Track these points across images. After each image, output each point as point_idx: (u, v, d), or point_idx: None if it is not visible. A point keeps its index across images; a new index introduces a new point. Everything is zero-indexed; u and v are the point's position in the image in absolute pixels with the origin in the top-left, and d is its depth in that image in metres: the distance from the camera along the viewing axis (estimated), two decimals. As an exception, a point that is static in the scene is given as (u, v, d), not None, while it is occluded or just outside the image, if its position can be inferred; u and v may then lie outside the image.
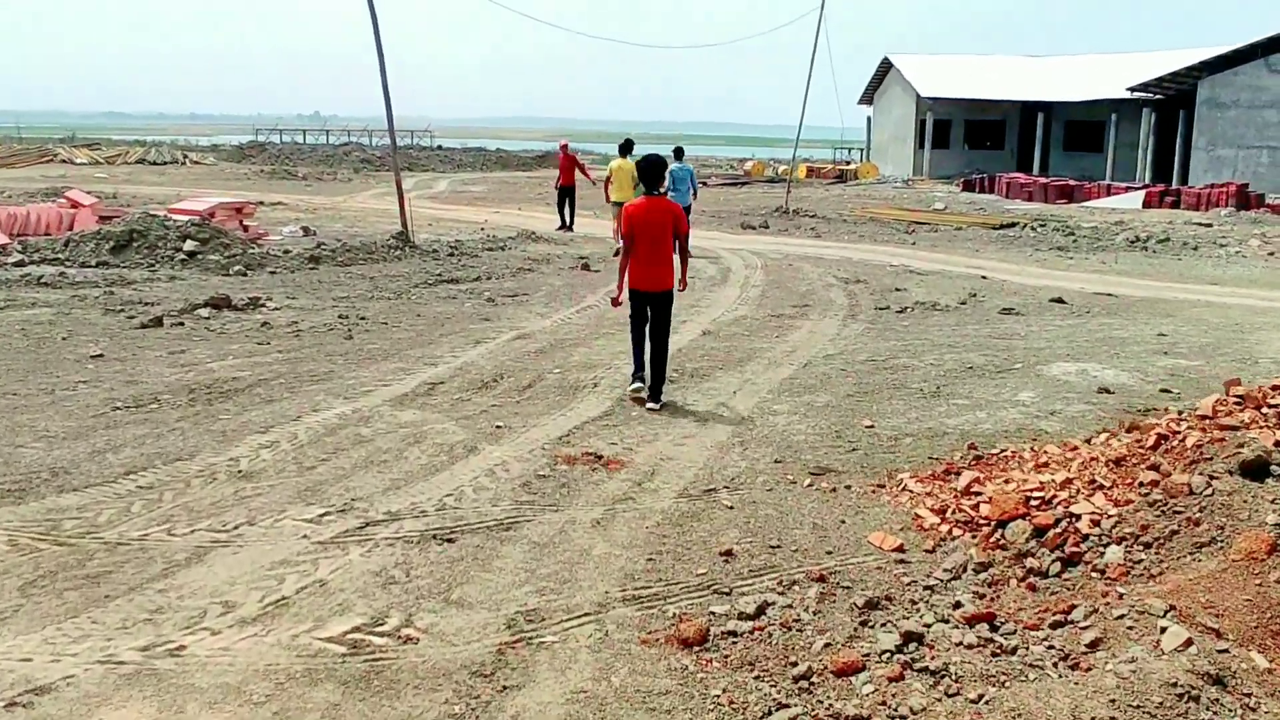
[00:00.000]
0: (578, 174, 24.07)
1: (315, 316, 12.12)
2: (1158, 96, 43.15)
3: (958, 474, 6.79)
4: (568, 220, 23.58)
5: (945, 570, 5.07)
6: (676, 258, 8.98)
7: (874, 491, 6.57)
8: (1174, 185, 39.11)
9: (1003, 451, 7.30)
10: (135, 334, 10.95)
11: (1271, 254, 22.07)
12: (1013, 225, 27.72)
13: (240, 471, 6.68)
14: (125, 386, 8.74)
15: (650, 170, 8.78)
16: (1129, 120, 45.58)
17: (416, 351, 10.35)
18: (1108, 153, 47.01)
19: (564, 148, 24.93)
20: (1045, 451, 7.11)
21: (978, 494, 6.15)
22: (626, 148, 20.62)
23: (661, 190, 9.03)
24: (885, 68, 57.60)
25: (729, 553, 5.47)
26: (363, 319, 12.00)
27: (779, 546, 5.57)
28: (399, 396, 8.64)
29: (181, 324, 11.50)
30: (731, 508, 6.21)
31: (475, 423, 7.94)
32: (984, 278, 17.19)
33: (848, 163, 62.09)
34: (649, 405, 8.59)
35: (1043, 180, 40.88)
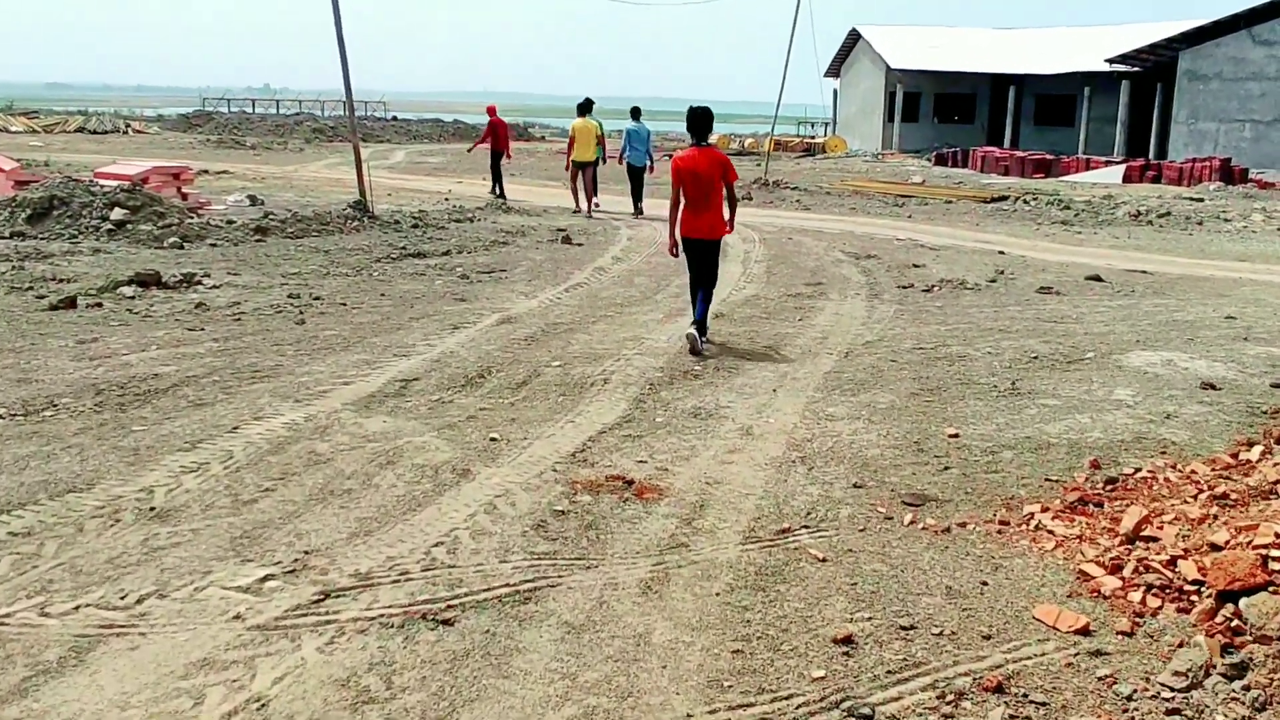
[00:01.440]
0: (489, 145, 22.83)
1: (261, 296, 10.33)
2: (1135, 69, 42.07)
3: (1098, 504, 5.23)
4: (499, 186, 22.55)
5: (1176, 674, 3.47)
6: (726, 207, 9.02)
7: (999, 531, 4.97)
8: (1152, 159, 38.15)
9: (1138, 472, 5.75)
10: (40, 318, 9.10)
11: (1280, 229, 20.91)
12: (1004, 199, 26.39)
13: (153, 509, 4.95)
14: (14, 387, 6.93)
15: (699, 120, 8.83)
16: (1102, 94, 44.52)
17: (382, 339, 8.61)
18: (1080, 127, 45.97)
19: (491, 111, 23.52)
20: (1195, 473, 5.57)
21: (1152, 539, 4.57)
22: (585, 107, 20.01)
23: (698, 141, 8.91)
24: (853, 39, 56.19)
25: (848, 639, 3.84)
26: (317, 299, 10.23)
27: (913, 628, 3.95)
28: (364, 398, 6.91)
29: (99, 305, 9.67)
30: (824, 560, 4.58)
31: (463, 434, 6.24)
32: (1001, 253, 15.69)
33: (813, 137, 60.71)
34: (690, 333, 8.74)
35: (1019, 154, 39.71)
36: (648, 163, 19.74)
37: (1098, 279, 13.20)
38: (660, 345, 8.76)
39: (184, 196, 17.35)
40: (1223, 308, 11.44)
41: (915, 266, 13.95)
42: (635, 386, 7.42)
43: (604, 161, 20.42)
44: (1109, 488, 5.50)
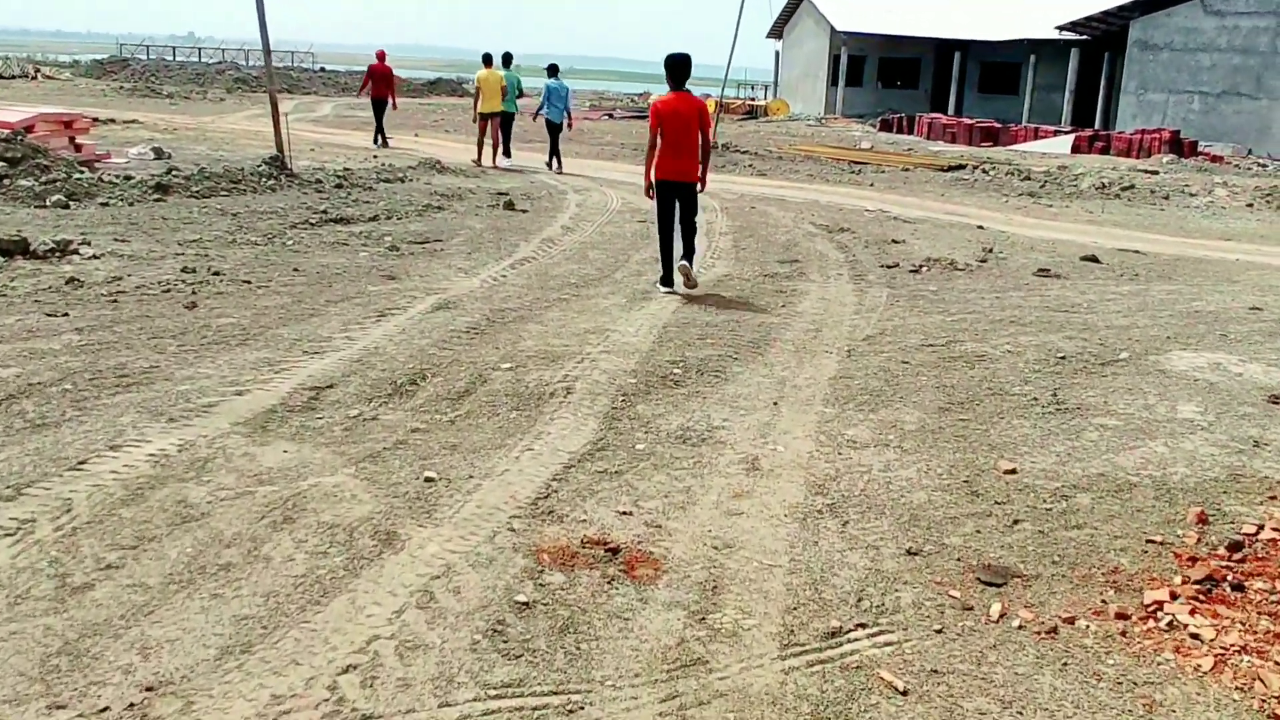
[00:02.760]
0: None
1: (149, 269, 8.68)
2: (1084, 37, 41.29)
3: (1237, 586, 3.94)
4: (380, 136, 22.41)
5: None
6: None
7: (1123, 632, 3.66)
8: (1099, 129, 37.51)
9: (1261, 531, 4.49)
10: None
11: (1250, 205, 20.08)
12: (961, 167, 25.36)
13: (-66, 605, 3.43)
14: None
15: (678, 67, 9.04)
16: (1048, 62, 43.78)
17: (292, 330, 7.05)
18: (1025, 95, 45.24)
19: (380, 56, 23.03)
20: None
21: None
22: (488, 59, 20.26)
23: (676, 87, 9.12)
24: (796, 0, 54.82)
25: None
26: (217, 274, 8.61)
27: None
28: (261, 415, 5.39)
29: (-56, 279, 7.98)
30: (904, 693, 3.22)
31: (388, 469, 4.77)
32: (981, 228, 14.49)
33: (753, 99, 59.36)
34: (663, 289, 9.19)
35: (967, 121, 38.79)
36: (565, 119, 19.88)
37: (1094, 259, 12.04)
38: (629, 339, 7.33)
39: (78, 148, 15.44)
40: (1240, 295, 10.33)
41: (895, 242, 12.65)
42: (605, 397, 5.99)
43: (517, 112, 20.32)
44: (1237, 558, 4.22)
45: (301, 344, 6.68)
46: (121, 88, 43.54)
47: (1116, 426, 5.93)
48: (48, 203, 11.84)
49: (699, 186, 9.25)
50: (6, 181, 12.26)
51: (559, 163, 19.81)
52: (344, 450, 4.97)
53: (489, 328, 7.37)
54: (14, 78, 48.83)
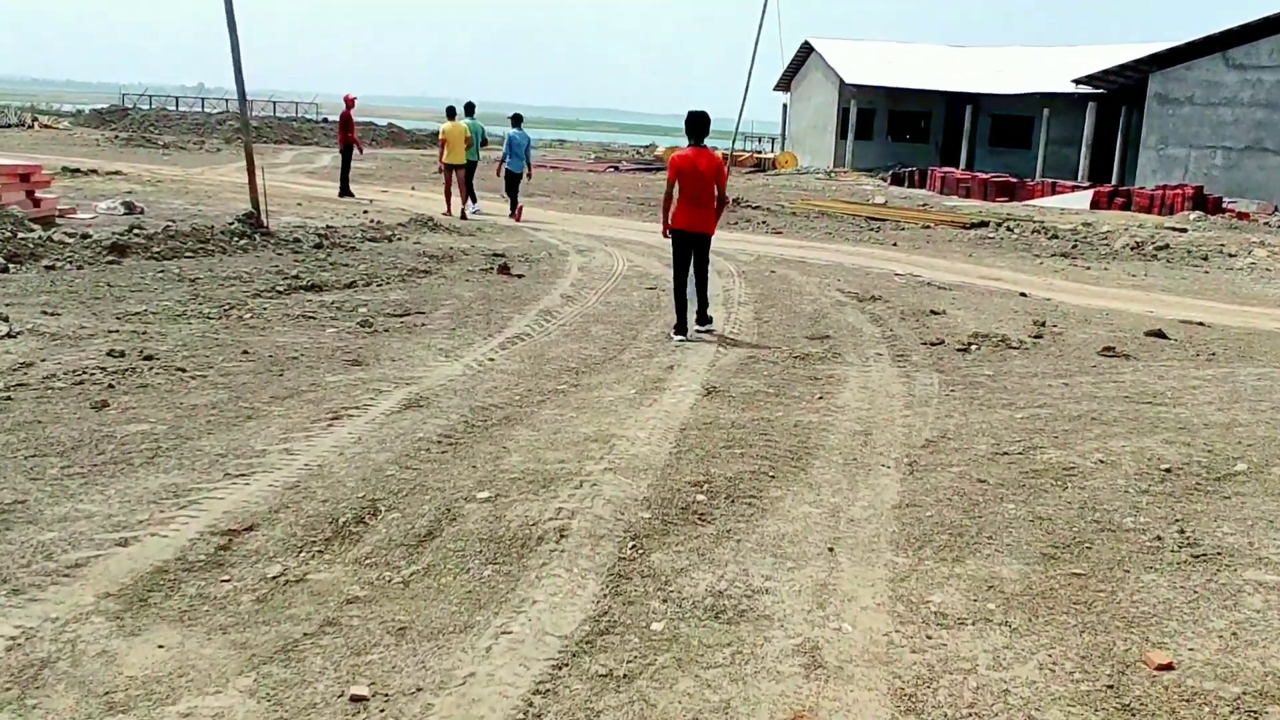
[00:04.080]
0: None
1: (68, 353, 7.32)
2: (1100, 91, 40.27)
3: None
4: (339, 186, 22.13)
5: None
6: None
7: None
8: (1114, 184, 36.41)
9: None
10: None
11: (1296, 268, 18.77)
12: (984, 225, 24.09)
13: None
14: None
15: (698, 123, 9.35)
16: (1061, 116, 42.72)
17: (218, 440, 5.66)
18: (1038, 149, 44.14)
19: (349, 102, 22.72)
20: None
21: None
22: (452, 112, 20.63)
23: (696, 142, 9.43)
24: (805, 52, 54.00)
25: None
26: (148, 359, 7.24)
27: None
28: (143, 580, 3.98)
29: None
30: None
31: (302, 678, 3.36)
32: (1024, 295, 13.14)
33: (759, 152, 58.45)
34: (700, 328, 9.59)
35: (981, 176, 37.73)
36: (525, 169, 19.97)
37: (1161, 335, 10.66)
38: (641, 450, 5.93)
39: (36, 202, 14.18)
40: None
41: (934, 313, 11.29)
42: (609, 542, 4.59)
43: (479, 160, 20.74)
44: None
45: (225, 462, 5.27)
46: (117, 137, 42.64)
47: (1275, 585, 4.52)
48: (-17, 266, 10.53)
49: (710, 235, 9.69)
50: (-61, 242, 10.96)
51: (518, 210, 19.63)
52: (247, 641, 3.56)
53: (467, 435, 5.96)
54: (9, 126, 48.12)
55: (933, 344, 9.72)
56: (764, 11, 26.89)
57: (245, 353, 7.60)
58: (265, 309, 9.36)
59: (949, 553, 4.74)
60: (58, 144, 36.99)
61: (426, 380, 7.16)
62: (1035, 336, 10.30)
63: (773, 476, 5.66)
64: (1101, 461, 6.27)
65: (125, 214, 16.14)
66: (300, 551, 4.32)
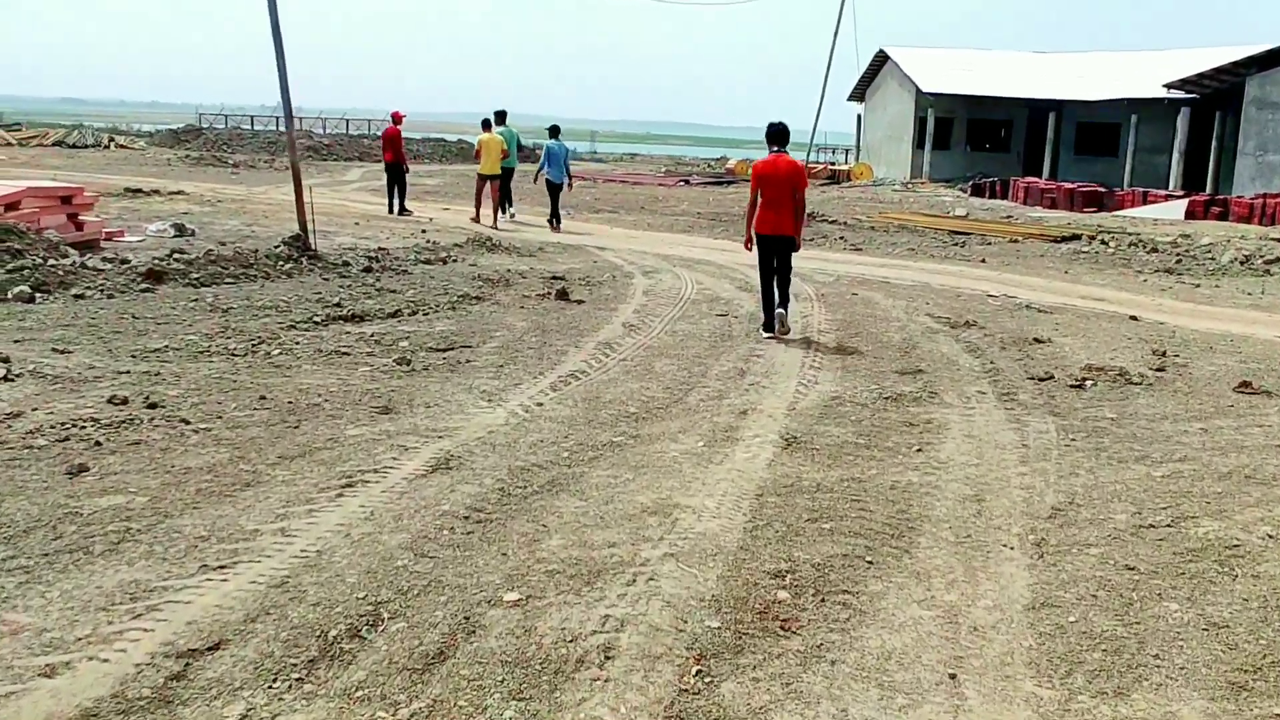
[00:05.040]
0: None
1: (66, 400, 6.51)
2: (1193, 96, 38.38)
3: None
4: (398, 204, 21.57)
5: None
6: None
7: None
8: (1209, 193, 34.58)
9: None
10: None
11: None
12: (1076, 238, 22.64)
13: None
14: None
15: (778, 134, 9.94)
16: (1151, 122, 40.77)
17: (203, 518, 4.73)
18: (1125, 157, 42.22)
19: (395, 118, 22.44)
20: None
21: None
22: (487, 124, 20.86)
23: (777, 150, 9.94)
24: (880, 61, 52.64)
25: None
26: (153, 407, 6.40)
27: None
28: (64, 728, 3.09)
29: None
30: None
31: None
32: (1134, 318, 11.87)
33: (833, 164, 57.11)
34: (765, 335, 10.02)
35: (1067, 186, 36.07)
36: (565, 180, 19.99)
37: (1303, 368, 9.39)
38: (708, 525, 4.92)
39: (79, 226, 13.59)
40: None
41: (1037, 341, 10.12)
42: (667, 665, 3.58)
43: (515, 168, 21.05)
44: None
45: (205, 548, 4.36)
46: (188, 156, 42.76)
47: None
48: (9, 295, 9.88)
49: (798, 239, 10.10)
50: (-35, 270, 10.34)
51: (558, 222, 19.72)
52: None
53: (500, 508, 4.99)
54: (86, 147, 48.62)
55: (1041, 379, 8.57)
56: (839, 20, 25.88)
57: (262, 399, 6.73)
58: (297, 343, 8.52)
59: (1107, 680, 3.66)
60: (129, 164, 37.05)
61: (462, 433, 6.22)
62: (1157, 369, 9.09)
63: (871, 562, 4.61)
64: (1271, 537, 5.14)
65: (175, 236, 15.56)
66: (274, 680, 3.38)
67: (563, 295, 11.35)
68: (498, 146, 19.95)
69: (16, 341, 8.03)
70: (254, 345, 8.37)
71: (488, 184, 20.04)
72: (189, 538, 4.43)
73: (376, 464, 5.51)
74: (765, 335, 9.97)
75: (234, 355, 8.00)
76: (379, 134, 66.66)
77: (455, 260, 14.07)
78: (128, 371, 7.27)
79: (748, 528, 4.91)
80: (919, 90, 46.22)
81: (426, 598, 3.99)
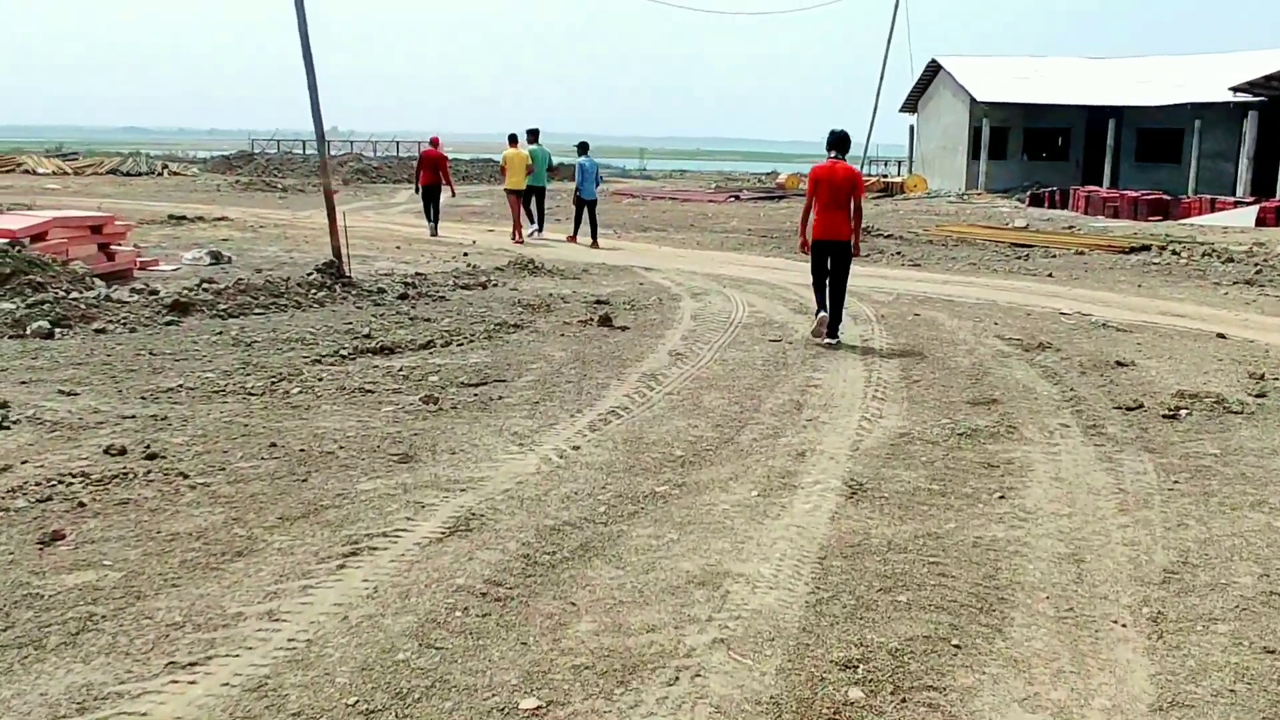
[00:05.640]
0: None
1: (59, 451, 5.97)
2: (1261, 98, 37.03)
3: None
4: (434, 224, 21.67)
5: None
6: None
7: None
8: (1279, 199, 33.24)
9: None
10: None
11: None
12: (1146, 249, 21.63)
13: None
14: None
15: (839, 139, 10.04)
16: (1215, 127, 39.38)
17: (181, 597, 4.08)
18: (1189, 164, 40.82)
19: (434, 142, 22.78)
20: None
21: None
22: (514, 139, 20.93)
23: (836, 156, 10.05)
24: (932, 71, 51.60)
25: None
26: (152, 458, 5.84)
27: None
28: None
29: None
30: None
31: None
32: (1221, 336, 10.99)
33: (886, 176, 56.10)
34: (828, 341, 10.00)
35: (1130, 194, 34.89)
36: (595, 196, 20.25)
37: None
38: (765, 597, 4.23)
39: (110, 256, 13.21)
40: None
41: (1120, 365, 9.30)
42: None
43: (547, 185, 21.42)
44: None
45: (178, 639, 3.74)
46: (238, 182, 42.83)
47: None
48: (27, 331, 9.44)
49: (852, 248, 10.10)
50: (-16, 305, 9.93)
51: (594, 238, 19.92)
52: None
53: (524, 582, 4.33)
54: (140, 175, 48.97)
55: (1129, 408, 7.78)
56: (891, 30, 25.10)
57: (273, 446, 6.15)
58: (320, 380, 7.95)
59: (1268, 816, 2.92)
60: (179, 190, 37.15)
61: (487, 485, 5.58)
62: (1257, 395, 8.25)
63: (958, 646, 3.90)
64: None
65: (211, 264, 15.18)
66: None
67: (606, 321, 10.71)
68: (521, 161, 20.19)
69: (23, 383, 7.55)
70: (274, 383, 7.81)
71: (517, 199, 20.45)
72: (161, 625, 3.82)
73: (388, 526, 4.88)
74: (816, 341, 10.04)
75: (250, 395, 7.45)
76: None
77: (495, 285, 13.50)
78: (133, 416, 6.73)
79: (810, 601, 4.22)
80: (973, 99, 45.24)
81: (429, 704, 3.34)
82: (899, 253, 19.50)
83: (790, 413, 7.46)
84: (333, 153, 70.75)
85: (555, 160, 22.47)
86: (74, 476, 5.43)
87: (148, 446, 6.01)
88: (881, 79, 23.98)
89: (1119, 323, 11.69)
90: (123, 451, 5.89)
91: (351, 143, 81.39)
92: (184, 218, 23.30)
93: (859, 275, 15.63)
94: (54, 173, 47.86)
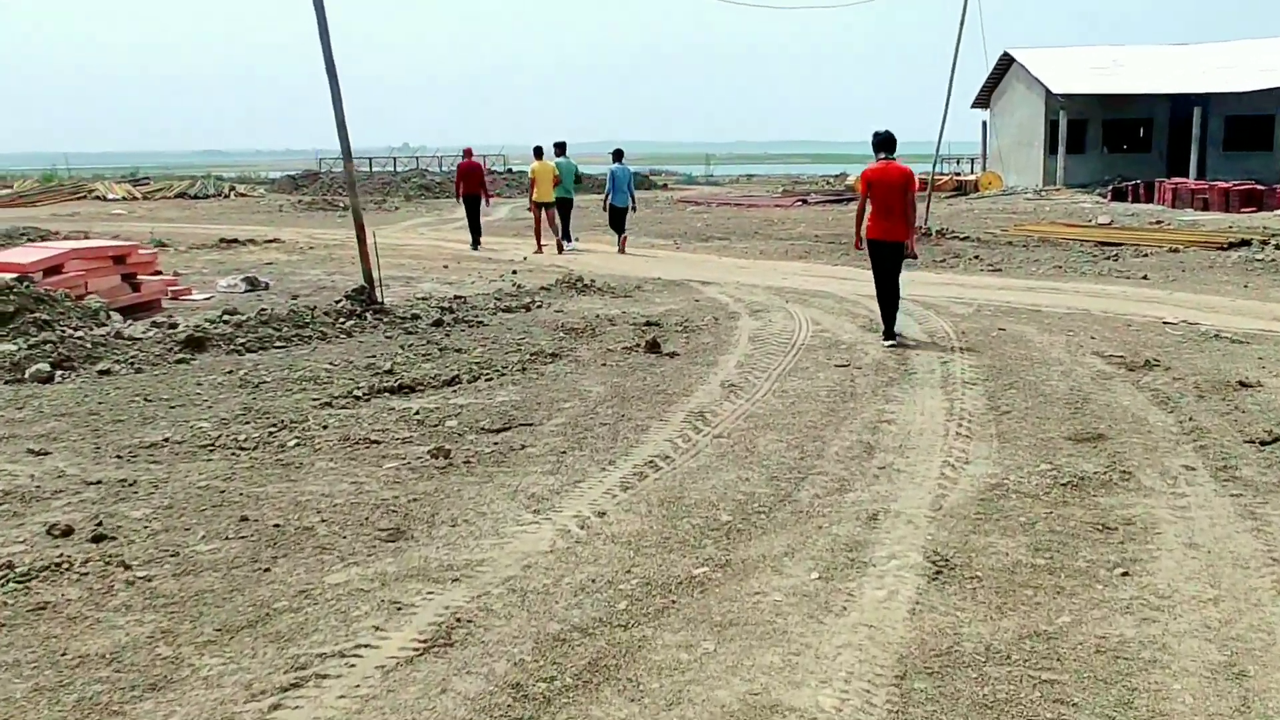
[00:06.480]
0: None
1: (3, 530, 5.10)
2: (1364, 79, 34.94)
3: None
4: (475, 237, 21.41)
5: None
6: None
7: None
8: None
9: None
10: None
11: None
12: (1246, 244, 20.04)
13: None
14: None
15: (884, 142, 10.04)
16: (1308, 111, 37.29)
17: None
18: (1281, 151, 38.75)
19: (468, 154, 23.09)
20: None
21: None
22: (539, 152, 21.16)
23: (886, 156, 10.03)
24: (1005, 65, 49.82)
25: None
26: (97, 541, 4.94)
27: None
28: None
29: None
30: None
31: None
32: (1352, 347, 9.63)
33: (958, 174, 54.33)
34: (887, 344, 9.90)
35: (1221, 185, 32.99)
36: (629, 203, 20.18)
37: None
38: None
39: (135, 287, 12.52)
40: None
41: (1244, 386, 8.04)
42: None
43: (573, 197, 21.25)
44: None
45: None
46: (300, 201, 42.59)
47: None
48: (25, 374, 8.70)
49: (907, 248, 10.19)
50: (-18, 346, 9.22)
51: (622, 241, 19.93)
52: None
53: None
54: (206, 197, 49.15)
55: (1264, 442, 6.56)
56: (961, 24, 23.73)
57: (244, 520, 5.22)
58: (325, 427, 7.04)
59: None
60: (242, 211, 36.99)
61: (486, 571, 4.58)
62: None
63: (1093, 830, 2.80)
64: None
65: (246, 291, 14.47)
66: None
67: (653, 347, 9.68)
68: (549, 174, 20.26)
69: (-4, 439, 6.75)
70: (271, 433, 6.92)
71: (544, 212, 20.40)
72: (13, 812, 2.88)
73: (349, 640, 3.90)
74: (885, 345, 9.92)
75: (241, 449, 6.55)
76: (493, 169, 66.24)
77: (540, 306, 12.55)
78: (99, 481, 5.86)
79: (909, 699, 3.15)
80: (1049, 92, 43.53)
81: None
82: (977, 256, 18.20)
83: (859, 458, 6.37)
84: (398, 169, 70.90)
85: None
86: (13, 563, 4.55)
87: (99, 524, 5.12)
88: (953, 74, 22.61)
89: (1233, 332, 10.37)
90: (67, 532, 5.01)
91: (417, 158, 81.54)
92: (235, 240, 22.81)
93: (933, 284, 14.45)
94: (124, 198, 48.20)
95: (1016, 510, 5.41)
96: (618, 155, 20.96)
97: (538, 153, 21.21)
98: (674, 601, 4.28)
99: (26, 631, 3.98)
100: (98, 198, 47.61)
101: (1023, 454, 6.42)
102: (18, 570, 4.54)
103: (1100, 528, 5.16)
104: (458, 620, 4.05)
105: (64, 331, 9.69)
